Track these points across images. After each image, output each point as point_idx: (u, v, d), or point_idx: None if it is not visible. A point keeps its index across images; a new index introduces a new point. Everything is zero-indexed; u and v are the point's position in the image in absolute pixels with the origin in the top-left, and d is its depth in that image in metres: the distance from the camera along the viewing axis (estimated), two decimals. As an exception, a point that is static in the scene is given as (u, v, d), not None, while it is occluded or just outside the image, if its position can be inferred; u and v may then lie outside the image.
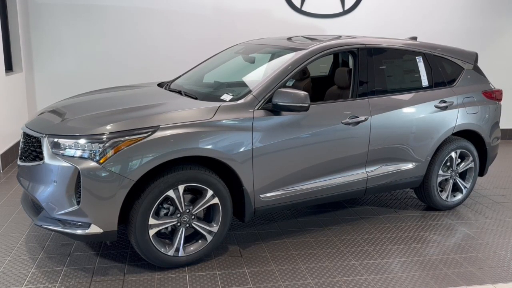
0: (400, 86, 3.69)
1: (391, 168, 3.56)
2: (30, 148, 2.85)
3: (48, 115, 3.08)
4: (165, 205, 2.80)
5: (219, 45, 4.81)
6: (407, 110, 3.57)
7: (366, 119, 3.32)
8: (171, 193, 2.72)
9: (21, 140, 3.02)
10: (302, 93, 2.91)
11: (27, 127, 2.96)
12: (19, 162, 2.99)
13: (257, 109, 2.96)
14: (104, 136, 2.58)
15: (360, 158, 3.38)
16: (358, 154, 3.36)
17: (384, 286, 2.74)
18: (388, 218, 3.78)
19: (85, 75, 5.65)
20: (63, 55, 5.62)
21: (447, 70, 3.93)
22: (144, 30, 5.72)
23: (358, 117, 3.29)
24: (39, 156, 2.75)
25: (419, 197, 3.99)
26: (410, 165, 3.65)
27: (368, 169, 3.45)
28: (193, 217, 2.85)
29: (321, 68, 5.03)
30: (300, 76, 4.29)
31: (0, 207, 3.80)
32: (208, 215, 2.96)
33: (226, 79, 3.72)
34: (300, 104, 2.90)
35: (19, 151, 3.02)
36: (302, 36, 4.14)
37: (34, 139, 2.83)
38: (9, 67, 5.38)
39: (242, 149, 2.88)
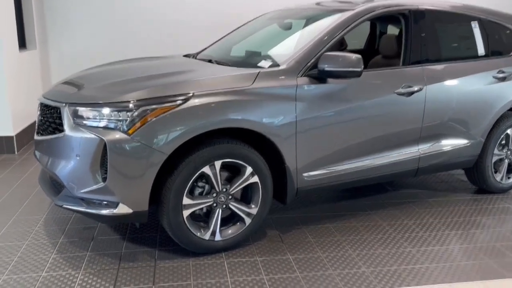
0: (455, 54, 3.30)
1: (444, 145, 3.19)
2: (49, 119, 2.55)
3: (67, 84, 2.78)
4: (200, 184, 2.49)
5: (244, 17, 4.41)
6: (464, 80, 3.19)
7: (420, 89, 2.95)
8: (207, 169, 2.40)
9: (38, 112, 2.73)
10: (354, 56, 2.55)
11: (44, 97, 2.67)
12: (36, 137, 2.70)
13: (301, 76, 2.62)
14: (133, 104, 2.26)
15: (413, 134, 3.02)
16: (411, 128, 2.99)
17: (449, 276, 2.40)
18: (438, 202, 3.42)
19: (101, 52, 5.33)
20: (78, 32, 5.32)
21: (503, 37, 3.52)
22: (163, 5, 5.37)
23: (412, 87, 2.92)
24: (58, 128, 2.45)
25: (471, 179, 3.62)
26: (465, 143, 3.27)
27: (420, 147, 3.08)
28: (230, 197, 2.53)
29: (351, 45, 4.64)
30: (337, 48, 3.91)
31: (15, 189, 3.54)
32: (245, 197, 2.64)
33: (259, 48, 3.36)
34: (352, 69, 2.54)
35: (36, 124, 2.73)
36: (333, 1, 3.73)
37: (53, 110, 2.53)
38: (22, 45, 5.10)
39: (284, 122, 2.54)
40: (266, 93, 2.51)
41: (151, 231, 2.82)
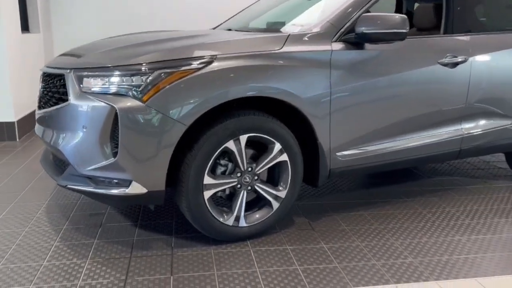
0: (499, 23, 2.98)
1: (489, 125, 2.87)
2: (52, 89, 2.26)
3: (71, 55, 2.49)
4: (222, 162, 2.19)
5: None
6: (509, 52, 2.88)
7: (465, 60, 2.64)
8: (231, 144, 2.10)
9: (41, 85, 2.44)
10: (398, 15, 2.25)
11: (47, 66, 2.38)
12: (37, 111, 2.41)
13: (335, 41, 2.31)
14: (148, 67, 1.97)
15: (456, 110, 2.70)
16: (455, 104, 2.68)
17: (510, 266, 2.09)
18: (478, 189, 3.10)
19: (106, 37, 5.07)
20: (82, 16, 5.05)
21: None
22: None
23: (456, 57, 2.61)
24: (62, 98, 2.16)
25: (512, 164, 3.31)
26: (510, 123, 2.96)
27: (464, 126, 2.77)
28: (256, 177, 2.23)
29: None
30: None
31: (16, 175, 3.26)
32: (271, 178, 2.34)
33: (283, 18, 3.06)
34: (395, 31, 2.24)
35: (38, 97, 2.45)
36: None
37: (56, 79, 2.24)
38: (25, 28, 4.83)
39: (317, 92, 2.24)
40: (297, 58, 2.20)
41: (166, 217, 2.52)
